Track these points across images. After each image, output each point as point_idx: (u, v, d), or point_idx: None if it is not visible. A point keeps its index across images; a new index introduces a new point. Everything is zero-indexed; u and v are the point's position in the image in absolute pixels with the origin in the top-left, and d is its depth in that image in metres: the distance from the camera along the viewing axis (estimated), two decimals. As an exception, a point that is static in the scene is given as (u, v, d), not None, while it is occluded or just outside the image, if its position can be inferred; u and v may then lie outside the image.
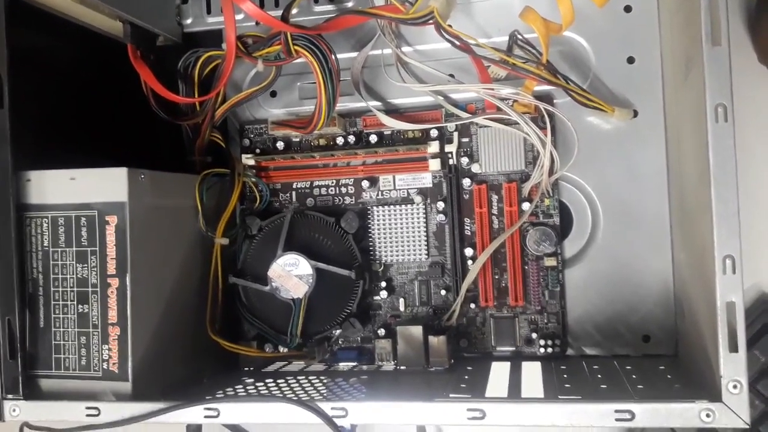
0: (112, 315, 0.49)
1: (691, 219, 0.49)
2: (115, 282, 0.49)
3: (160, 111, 0.58)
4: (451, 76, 0.59)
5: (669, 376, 0.50)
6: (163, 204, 0.53)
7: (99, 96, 0.60)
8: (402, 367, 0.56)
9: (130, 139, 0.61)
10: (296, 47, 0.54)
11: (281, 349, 0.60)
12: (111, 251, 0.49)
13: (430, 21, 0.51)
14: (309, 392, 0.51)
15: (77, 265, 0.49)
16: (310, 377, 0.56)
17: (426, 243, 0.60)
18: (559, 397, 0.46)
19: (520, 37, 0.53)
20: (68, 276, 0.50)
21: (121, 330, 0.49)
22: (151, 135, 0.61)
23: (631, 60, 0.57)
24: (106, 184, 0.49)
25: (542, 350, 0.57)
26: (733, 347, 0.39)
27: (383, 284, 0.60)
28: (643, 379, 0.49)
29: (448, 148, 0.59)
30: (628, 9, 0.57)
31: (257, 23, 0.62)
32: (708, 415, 0.40)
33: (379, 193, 0.61)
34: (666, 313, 0.56)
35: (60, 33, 0.56)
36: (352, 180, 0.61)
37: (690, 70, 0.45)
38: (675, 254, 0.56)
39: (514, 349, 0.58)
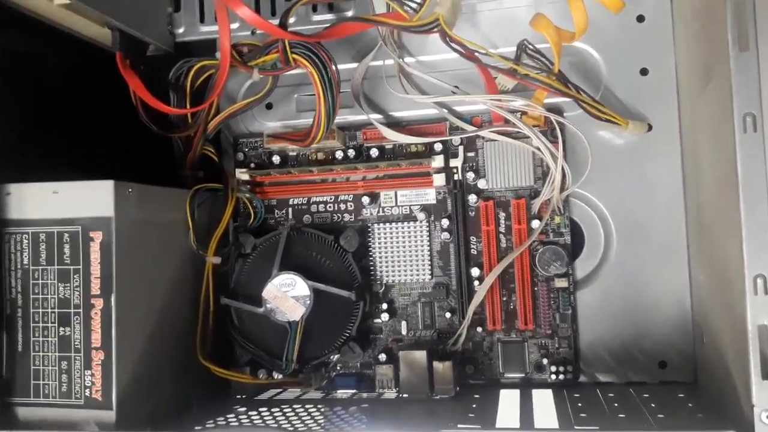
0: (96, 338, 0.47)
1: (711, 236, 0.47)
2: (99, 303, 0.47)
3: (150, 123, 0.57)
4: (456, 87, 0.59)
5: (690, 405, 0.48)
6: (151, 220, 0.52)
7: (85, 106, 0.59)
8: (404, 395, 0.55)
9: (117, 152, 0.60)
10: (294, 56, 0.53)
11: (276, 375, 0.58)
12: (95, 270, 0.47)
13: (435, 29, 0.50)
14: (306, 422, 0.49)
15: (59, 284, 0.48)
16: (307, 406, 0.54)
17: (430, 263, 0.58)
18: (576, 427, 0.44)
19: (529, 46, 0.53)
20: (49, 296, 0.48)
21: (106, 354, 0.47)
22: (140, 148, 0.59)
23: (644, 71, 0.56)
24: (91, 198, 0.48)
25: (553, 377, 0.56)
26: (766, 374, 0.37)
27: (384, 306, 0.59)
28: (663, 408, 0.47)
29: (452, 162, 0.58)
30: (640, 19, 0.56)
31: (253, 32, 0.61)
32: (738, 447, 0.38)
33: (380, 209, 0.60)
34: (684, 338, 0.54)
35: (45, 39, 0.55)
36: (352, 196, 0.60)
37: (711, 80, 0.44)
38: (693, 274, 0.54)
39: (523, 375, 0.57)
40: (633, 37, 0.56)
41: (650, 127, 0.55)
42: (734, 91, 0.38)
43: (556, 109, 0.56)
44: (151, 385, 0.50)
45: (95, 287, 0.47)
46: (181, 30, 0.63)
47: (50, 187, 0.48)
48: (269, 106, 0.63)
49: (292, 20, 0.56)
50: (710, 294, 0.49)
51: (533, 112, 0.54)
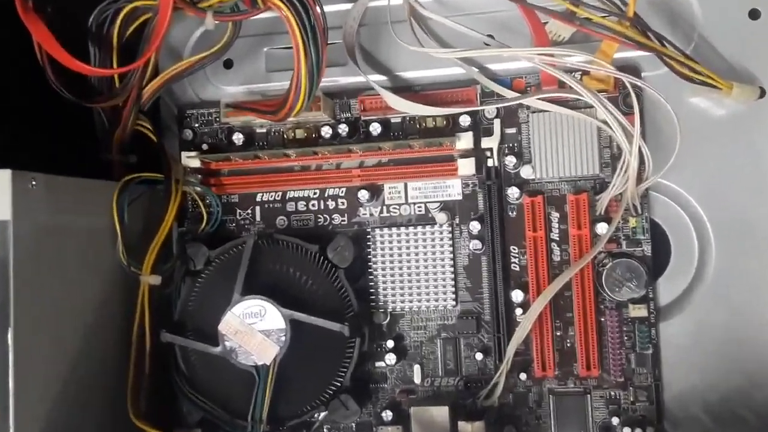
0: (-14, 389, 0.47)
1: None
2: (-10, 341, 0.47)
3: (61, 88, 0.57)
4: (490, 37, 0.58)
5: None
6: (65, 224, 0.52)
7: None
8: (419, 469, 0.55)
9: (16, 129, 0.59)
10: (264, -7, 0.53)
11: (238, 440, 0.58)
12: (-15, 293, 0.47)
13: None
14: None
15: (-67, 313, 0.48)
16: (282, 484, 0.54)
17: (453, 283, 0.59)
18: None
19: (594, -23, 0.53)
20: None
21: (0, 413, 0.47)
22: (48, 122, 0.60)
23: (755, 14, 0.56)
24: (-22, 194, 0.48)
25: (627, 443, 0.56)
26: None
27: (390, 344, 0.59)
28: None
29: (485, 142, 0.58)
30: (753, -61, 0.57)
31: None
32: None
33: (384, 208, 0.60)
34: (813, 389, 0.55)
35: None
36: (344, 190, 0.61)
37: None
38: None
39: (585, 440, 0.57)
40: (740, -37, 0.56)
41: (763, 92, 0.55)
42: None
43: (631, 68, 0.56)
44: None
45: (-15, 318, 0.47)
46: (104, -43, 0.63)
47: None
48: (228, 65, 0.63)
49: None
50: None
51: (598, 72, 0.54)
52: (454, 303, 0.59)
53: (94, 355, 0.55)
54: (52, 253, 0.51)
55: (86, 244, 0.55)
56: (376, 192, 0.60)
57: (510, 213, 0.58)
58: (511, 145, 0.58)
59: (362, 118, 0.60)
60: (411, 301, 0.59)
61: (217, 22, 0.55)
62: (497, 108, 0.58)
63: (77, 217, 0.54)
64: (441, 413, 0.55)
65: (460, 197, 0.59)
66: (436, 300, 0.59)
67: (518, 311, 0.58)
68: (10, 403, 0.47)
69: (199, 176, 0.61)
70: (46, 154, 0.53)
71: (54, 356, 0.51)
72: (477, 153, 0.58)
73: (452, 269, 0.59)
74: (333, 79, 0.60)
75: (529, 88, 0.58)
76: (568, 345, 0.57)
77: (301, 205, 0.61)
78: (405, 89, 0.60)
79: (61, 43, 0.55)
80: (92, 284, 0.55)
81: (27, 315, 0.48)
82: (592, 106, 0.54)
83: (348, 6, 0.60)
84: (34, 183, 0.49)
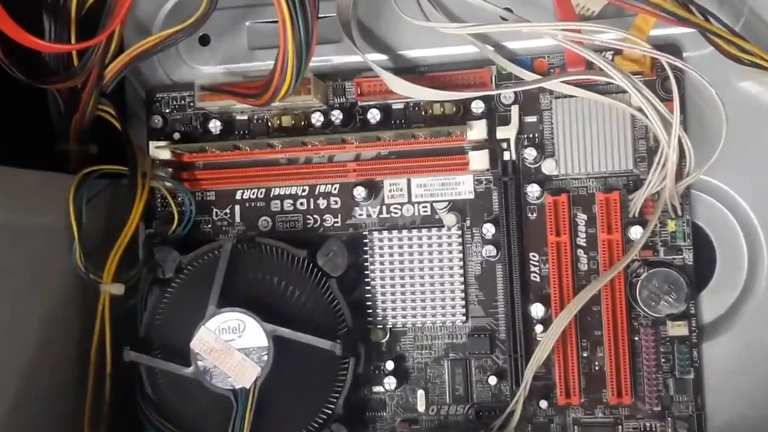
0: None
1: None
2: None
3: (10, 66, 0.57)
4: (508, 10, 0.58)
5: None
6: (14, 222, 0.53)
7: None
8: None
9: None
10: (245, -43, 0.53)
11: (213, 476, 0.59)
12: None
13: None
14: None
15: None
16: None
17: (463, 296, 0.59)
18: None
19: (628, -59, 0.53)
20: None
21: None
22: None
23: (815, -14, 0.57)
24: None
25: (664, 482, 0.57)
26: None
27: (390, 366, 0.60)
28: None
29: (502, 132, 0.59)
30: None
31: None
32: None
33: (384, 208, 0.61)
34: None
35: None
36: (338, 186, 0.61)
37: None
38: None
39: (615, 479, 0.58)
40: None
41: (824, 76, 0.55)
42: None
43: (671, 47, 0.57)
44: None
45: None
46: None
47: None
48: (205, 41, 0.63)
49: None
50: None
51: (633, 52, 0.55)
52: (464, 319, 0.59)
53: (46, 377, 0.55)
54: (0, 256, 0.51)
55: (39, 245, 0.55)
56: (374, 189, 0.60)
57: (530, 214, 0.59)
58: (531, 135, 0.59)
59: (359, 103, 0.60)
60: (414, 317, 0.60)
61: (191, -10, 0.56)
62: (515, 92, 0.58)
63: (29, 214, 0.55)
64: None
65: (471, 196, 0.60)
66: (444, 315, 0.59)
67: (538, 328, 0.58)
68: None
69: (170, 170, 0.61)
70: None
71: (3, 374, 0.52)
72: (491, 144, 0.59)
73: (462, 279, 0.59)
74: (325, 58, 0.61)
75: (552, 70, 0.58)
76: (597, 368, 0.57)
77: (288, 204, 0.62)
78: (409, 70, 0.60)
79: (11, 15, 0.55)
80: (46, 292, 0.56)
81: (-33, 327, 0.49)
82: (625, 91, 0.54)
83: (343, -27, 0.60)
84: (-23, 175, 0.50)
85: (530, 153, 0.58)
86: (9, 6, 0.55)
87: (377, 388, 0.60)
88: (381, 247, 0.60)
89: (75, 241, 0.57)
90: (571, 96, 0.57)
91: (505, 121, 0.59)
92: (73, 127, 0.59)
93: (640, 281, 0.56)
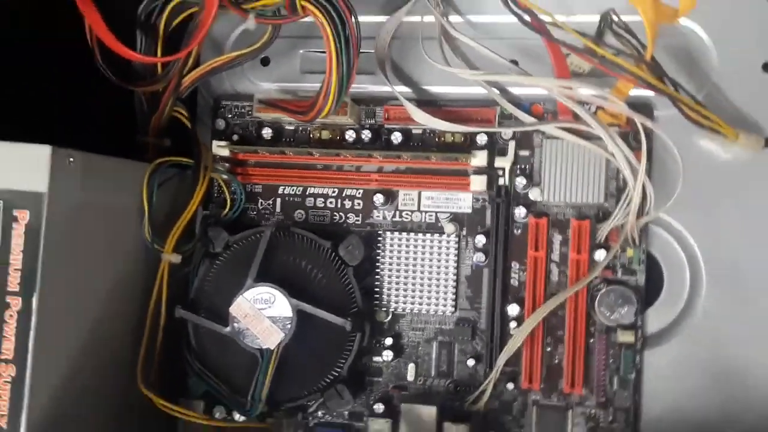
0: (8, 348, 0.48)
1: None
2: (16, 303, 0.48)
3: (107, 70, 0.58)
4: (514, 62, 0.59)
5: None
6: (96, 200, 0.53)
7: (21, 43, 0.60)
8: (403, 463, 0.56)
9: (60, 106, 0.61)
10: (304, 2, 0.53)
11: (237, 416, 0.59)
12: (16, 259, 0.48)
13: (494, -15, 0.51)
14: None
15: (-35, 273, 0.49)
16: (272, 462, 0.55)
17: (455, 291, 0.59)
18: None
19: (615, 19, 0.53)
20: (-49, 287, 0.49)
21: (18, 370, 0.48)
22: (91, 102, 0.60)
23: (768, 67, 0.56)
24: (19, 166, 0.49)
25: (601, 459, 0.57)
26: None
27: (389, 341, 0.60)
28: None
29: (499, 162, 0.59)
30: (771, -3, 0.57)
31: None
32: None
33: (397, 213, 0.61)
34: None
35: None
36: (362, 191, 0.61)
37: None
38: (807, 347, 0.55)
39: (562, 453, 0.58)
40: (758, 19, 0.56)
41: (768, 143, 0.56)
42: None
43: (645, 106, 0.57)
44: (74, 415, 0.52)
45: (13, 282, 0.48)
46: (159, -51, 0.64)
47: (-32, 147, 0.49)
48: (266, 62, 0.63)
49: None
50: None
51: (612, 108, 0.54)
52: (453, 309, 0.59)
53: (112, 325, 0.55)
54: (82, 226, 0.52)
55: (115, 220, 0.56)
56: (391, 197, 0.60)
57: (515, 231, 0.59)
58: (523, 166, 0.59)
59: (385, 126, 0.60)
60: (413, 303, 0.60)
61: (258, 23, 0.56)
62: (514, 131, 0.58)
63: (109, 194, 0.55)
64: (429, 413, 0.55)
65: (469, 210, 0.59)
66: (437, 305, 0.59)
67: (512, 324, 0.58)
68: (28, 361, 0.48)
69: (227, 165, 0.62)
70: (85, 132, 0.54)
71: (74, 322, 0.52)
72: (490, 171, 0.59)
73: (455, 278, 0.59)
74: (362, 86, 0.61)
75: (546, 115, 0.58)
76: (556, 362, 0.58)
77: (320, 201, 0.62)
78: (429, 103, 0.60)
79: (111, 29, 0.56)
80: (116, 258, 0.56)
81: (52, 281, 0.49)
82: (602, 139, 0.54)
83: (383, 19, 0.60)
84: (71, 160, 0.50)
85: (521, 181, 0.58)
86: (109, 21, 0.56)
87: (376, 359, 0.60)
88: (391, 245, 0.60)
89: (145, 218, 0.57)
90: (559, 137, 0.57)
91: (503, 153, 0.59)
92: (152, 123, 0.60)
93: (599, 295, 0.57)
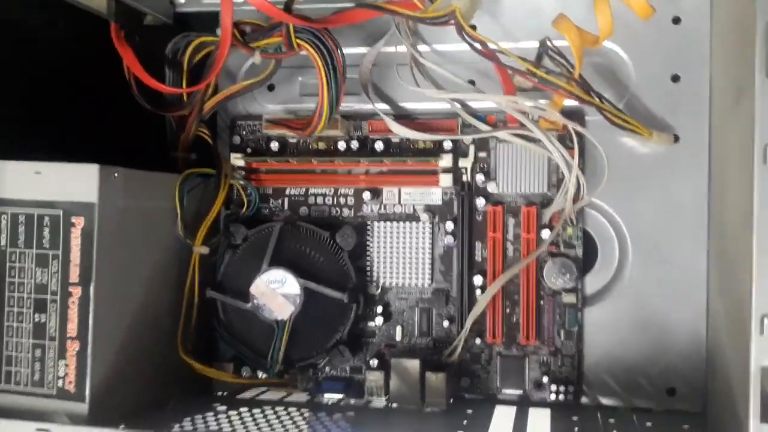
0: (72, 328, 0.49)
1: (732, 266, 0.48)
2: (77, 291, 0.49)
3: (142, 99, 0.58)
4: (472, 82, 0.59)
5: (693, 437, 0.50)
6: (137, 206, 0.53)
7: (72, 79, 0.60)
8: (394, 405, 0.56)
9: (105, 130, 0.61)
10: (299, 41, 0.54)
11: (260, 374, 0.60)
12: (75, 256, 0.49)
13: (451, 22, 0.51)
14: (286, 426, 0.51)
15: (37, 269, 0.49)
16: (290, 409, 0.55)
17: (431, 267, 0.60)
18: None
19: (551, 45, 0.53)
20: (26, 280, 0.50)
21: (81, 345, 0.49)
22: (130, 126, 0.61)
23: (675, 78, 0.57)
24: (74, 182, 0.49)
25: (553, 396, 0.57)
26: (766, 418, 0.39)
27: (379, 309, 0.60)
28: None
29: (462, 162, 0.59)
30: (676, 20, 0.57)
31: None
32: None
33: (382, 206, 0.61)
34: (695, 367, 0.56)
35: (31, 4, 0.56)
36: (353, 190, 0.61)
37: (740, 99, 0.45)
38: (710, 303, 0.55)
39: (521, 392, 0.58)
40: (667, 39, 0.57)
41: (677, 138, 0.56)
42: (756, 120, 0.39)
43: (578, 113, 0.57)
44: (128, 378, 0.52)
45: (74, 275, 0.49)
46: (181, 0, 0.64)
47: (32, 167, 0.49)
48: (271, 88, 0.64)
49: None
50: (726, 327, 0.50)
51: (550, 116, 0.55)
52: (430, 282, 0.60)
53: (155, 305, 0.56)
54: (127, 228, 0.52)
55: (153, 222, 0.56)
56: (376, 193, 0.61)
57: (477, 217, 0.59)
58: (481, 165, 0.59)
59: (370, 136, 0.61)
60: (398, 278, 0.60)
61: (263, 58, 0.56)
62: (473, 137, 0.59)
63: (147, 201, 0.55)
64: (414, 365, 0.56)
65: (440, 202, 0.60)
66: (417, 279, 0.60)
67: (478, 292, 0.59)
68: (89, 337, 0.49)
69: (243, 172, 0.62)
70: (127, 150, 0.54)
71: (123, 305, 0.53)
72: (455, 170, 0.59)
73: (431, 256, 0.60)
74: (349, 105, 0.61)
75: (499, 123, 0.59)
76: (514, 320, 0.58)
77: (320, 199, 0.62)
78: (404, 117, 0.60)
79: (144, 64, 0.57)
80: (156, 252, 0.56)
81: (105, 273, 0.50)
82: (543, 141, 0.55)
83: (364, 50, 0.61)
84: (116, 175, 0.51)
85: (480, 177, 0.59)
86: (143, 61, 0.57)
87: (370, 324, 0.60)
88: (378, 232, 0.60)
89: (178, 218, 0.57)
90: (509, 141, 0.58)
91: (465, 155, 0.59)
92: (181, 141, 0.60)
93: (546, 265, 0.57)
